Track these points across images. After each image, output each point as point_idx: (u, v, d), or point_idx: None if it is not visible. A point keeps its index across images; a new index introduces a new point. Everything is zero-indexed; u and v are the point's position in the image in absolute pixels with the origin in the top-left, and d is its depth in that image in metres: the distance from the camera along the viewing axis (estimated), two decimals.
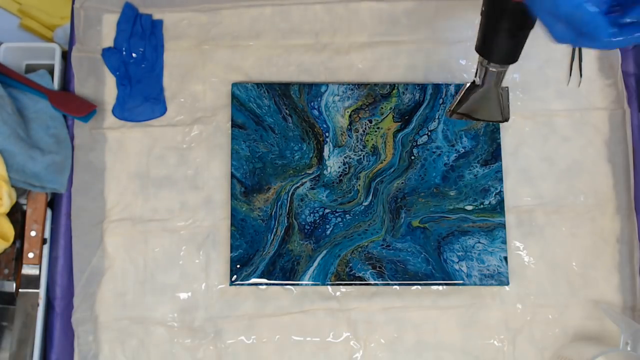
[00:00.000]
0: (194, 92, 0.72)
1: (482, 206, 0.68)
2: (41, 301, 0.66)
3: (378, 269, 0.67)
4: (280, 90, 0.71)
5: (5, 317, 0.67)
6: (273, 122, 0.70)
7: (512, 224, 0.69)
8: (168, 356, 0.67)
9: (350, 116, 0.70)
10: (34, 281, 0.67)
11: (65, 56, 0.73)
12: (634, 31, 0.39)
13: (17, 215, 0.67)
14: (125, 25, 0.72)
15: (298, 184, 0.69)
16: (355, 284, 0.67)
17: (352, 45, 0.73)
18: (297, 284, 0.67)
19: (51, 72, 0.71)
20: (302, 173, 0.69)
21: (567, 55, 0.73)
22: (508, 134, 0.71)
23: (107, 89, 0.72)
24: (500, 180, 0.69)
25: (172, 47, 0.73)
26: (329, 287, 0.68)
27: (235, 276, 0.66)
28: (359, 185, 0.69)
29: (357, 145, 0.70)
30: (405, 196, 0.69)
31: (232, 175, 0.69)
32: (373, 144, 0.70)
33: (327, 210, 0.68)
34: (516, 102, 0.72)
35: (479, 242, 0.67)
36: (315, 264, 0.67)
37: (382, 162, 0.69)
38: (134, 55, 0.72)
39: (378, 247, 0.67)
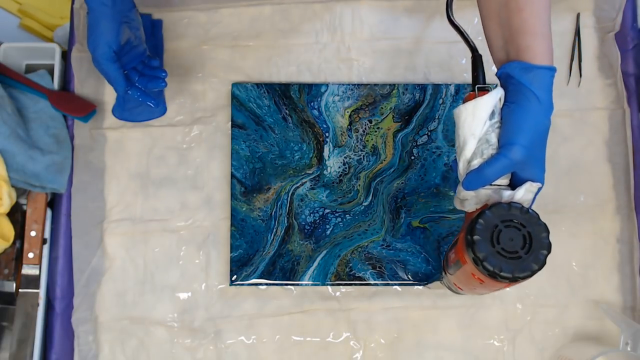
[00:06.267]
0: (194, 92, 0.72)
1: None
2: (41, 301, 0.66)
3: (378, 269, 0.67)
4: (280, 90, 0.70)
5: (5, 317, 0.67)
6: (273, 122, 0.70)
7: None
8: (168, 356, 0.67)
9: (350, 116, 0.70)
10: (34, 281, 0.67)
11: (65, 56, 0.73)
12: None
13: (17, 215, 0.67)
14: None
15: (298, 184, 0.69)
16: (355, 284, 0.67)
17: (352, 45, 0.73)
18: (297, 284, 0.67)
19: (51, 72, 0.71)
20: (302, 173, 0.69)
21: (567, 55, 0.73)
22: None
23: (107, 89, 0.72)
24: None
25: (172, 47, 0.73)
26: (329, 287, 0.68)
27: (235, 276, 0.66)
28: (359, 185, 0.69)
29: (357, 146, 0.70)
30: (405, 196, 0.68)
31: (232, 175, 0.69)
32: (373, 144, 0.70)
33: (327, 210, 0.68)
34: None
35: None
36: (315, 264, 0.67)
37: (382, 162, 0.69)
38: None
39: (378, 247, 0.67)
